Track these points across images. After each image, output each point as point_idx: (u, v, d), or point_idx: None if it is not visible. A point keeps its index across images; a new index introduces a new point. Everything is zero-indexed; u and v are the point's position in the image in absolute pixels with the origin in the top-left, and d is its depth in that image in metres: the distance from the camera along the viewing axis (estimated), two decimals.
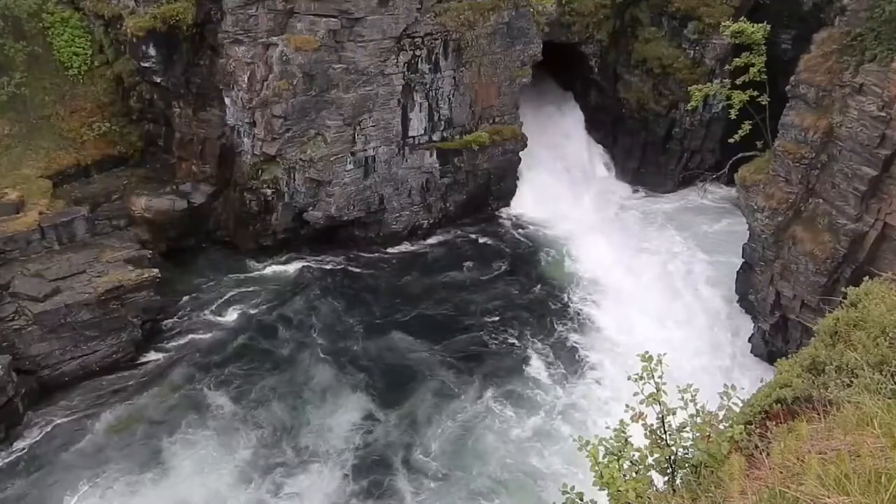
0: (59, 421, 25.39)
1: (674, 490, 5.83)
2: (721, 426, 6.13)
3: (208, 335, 29.56)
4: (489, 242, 36.72)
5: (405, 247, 36.24)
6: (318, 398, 26.75)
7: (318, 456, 24.38)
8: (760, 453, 5.42)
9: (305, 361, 28.55)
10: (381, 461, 24.21)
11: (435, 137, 35.39)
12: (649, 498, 5.57)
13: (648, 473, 6.07)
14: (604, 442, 6.10)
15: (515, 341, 29.95)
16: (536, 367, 28.62)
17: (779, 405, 6.75)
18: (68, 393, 26.52)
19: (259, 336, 29.73)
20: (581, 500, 6.08)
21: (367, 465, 24.05)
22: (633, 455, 6.08)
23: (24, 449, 24.29)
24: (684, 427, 6.22)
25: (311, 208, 33.87)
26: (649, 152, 40.82)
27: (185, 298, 31.39)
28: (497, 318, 31.24)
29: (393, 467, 23.97)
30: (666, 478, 6.06)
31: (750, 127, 29.33)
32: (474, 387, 27.48)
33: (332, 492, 23.19)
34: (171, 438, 24.86)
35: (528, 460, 24.35)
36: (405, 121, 34.02)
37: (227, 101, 32.25)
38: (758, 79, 28.92)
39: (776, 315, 27.27)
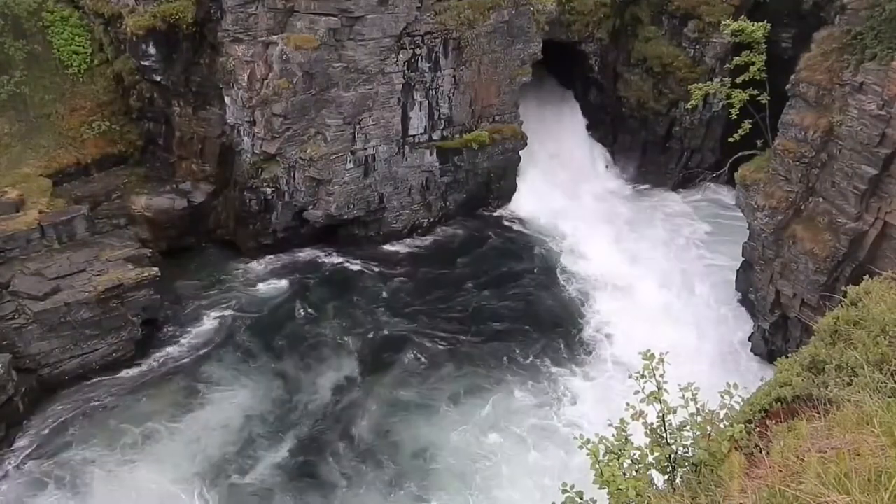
0: (58, 420, 25.49)
1: (674, 489, 5.84)
2: (721, 425, 6.14)
3: (208, 332, 29.62)
4: (489, 241, 36.70)
5: (405, 245, 36.25)
6: (318, 367, 28.30)
7: (290, 420, 25.81)
8: (760, 452, 5.42)
9: (308, 343, 29.27)
10: (323, 439, 25.18)
11: (435, 136, 35.39)
12: (649, 497, 5.58)
13: (649, 472, 6.08)
14: (604, 440, 6.11)
15: (508, 339, 29.87)
16: (523, 366, 28.48)
17: (779, 404, 6.76)
18: (68, 391, 26.54)
19: (259, 329, 29.91)
20: (581, 498, 6.08)
21: (310, 442, 25.08)
22: (634, 454, 6.08)
23: (26, 446, 24.41)
24: (685, 426, 6.23)
25: (311, 207, 33.87)
26: (649, 151, 40.82)
27: (186, 297, 31.40)
28: (491, 315, 31.26)
29: (327, 450, 24.73)
30: (666, 476, 6.07)
31: (750, 126, 29.32)
32: (443, 378, 27.86)
33: (273, 464, 24.13)
34: (169, 423, 25.49)
35: (454, 464, 24.28)
36: (405, 119, 34.01)
37: (227, 99, 32.24)
38: (758, 77, 28.91)
39: (776, 314, 27.27)
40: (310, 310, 31.27)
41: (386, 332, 30.19)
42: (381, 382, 27.53)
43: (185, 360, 28.20)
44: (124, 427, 24.99)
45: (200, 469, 23.71)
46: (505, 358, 28.81)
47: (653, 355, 6.46)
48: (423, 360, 28.72)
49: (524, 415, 26.08)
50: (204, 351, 28.54)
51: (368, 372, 28.05)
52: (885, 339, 6.67)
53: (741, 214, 29.21)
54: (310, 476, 23.75)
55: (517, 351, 29.18)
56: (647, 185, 41.00)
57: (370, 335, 29.95)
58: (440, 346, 29.49)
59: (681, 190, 40.68)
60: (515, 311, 31.63)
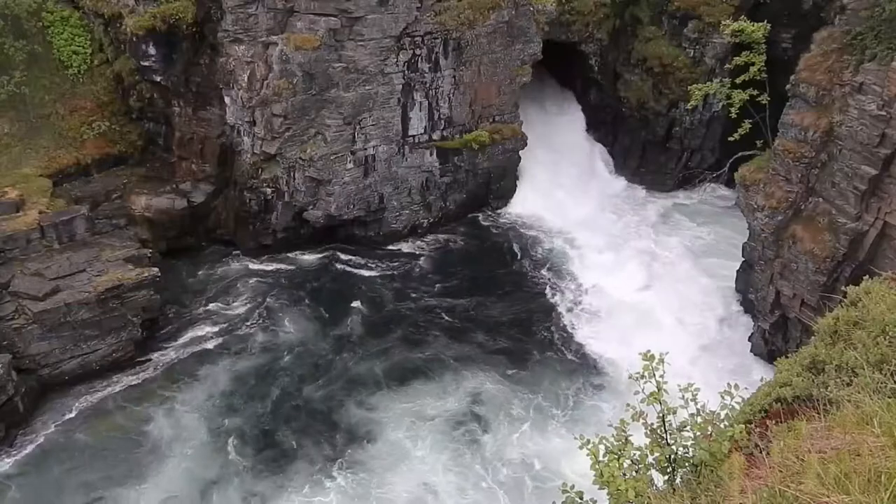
0: (59, 420, 25.58)
1: (674, 489, 5.83)
2: (722, 425, 6.14)
3: (209, 331, 29.78)
4: (488, 241, 36.73)
5: (405, 245, 36.28)
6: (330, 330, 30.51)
7: (292, 370, 28.25)
8: (760, 452, 5.42)
9: (308, 336, 30.11)
10: (297, 402, 27.10)
11: (435, 136, 35.39)
12: (649, 497, 5.57)
13: (648, 472, 6.07)
14: (604, 440, 6.11)
15: (502, 339, 29.93)
16: (513, 371, 28.48)
17: (779, 404, 6.77)
18: (68, 392, 26.60)
19: (261, 327, 30.21)
20: (581, 498, 6.08)
21: (288, 403, 27.03)
22: (634, 454, 6.08)
23: (28, 444, 24.58)
24: (685, 426, 6.22)
25: (310, 207, 33.88)
26: (649, 151, 40.81)
27: (186, 297, 31.45)
28: (483, 314, 31.41)
29: (295, 413, 26.64)
30: (666, 477, 6.06)
31: (750, 126, 29.31)
32: (415, 362, 28.72)
33: (257, 413, 26.38)
34: (171, 420, 25.96)
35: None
36: (405, 120, 34.01)
37: (226, 100, 32.26)
38: (758, 78, 28.89)
39: (776, 314, 27.27)
40: (312, 309, 31.65)
41: (382, 316, 31.25)
42: (369, 354, 29.16)
43: (181, 380, 28.12)
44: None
45: (212, 403, 26.39)
46: (480, 355, 29.06)
47: (653, 356, 6.45)
48: (407, 342, 29.78)
49: (474, 415, 26.30)
50: (197, 375, 28.46)
51: (366, 338, 29.92)
52: (885, 339, 6.66)
53: (741, 214, 29.20)
54: (272, 435, 25.46)
55: (503, 356, 29.22)
56: (646, 185, 40.97)
57: (372, 313, 31.30)
58: (428, 336, 30.05)
59: (681, 190, 40.67)
60: (508, 310, 31.75)
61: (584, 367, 28.65)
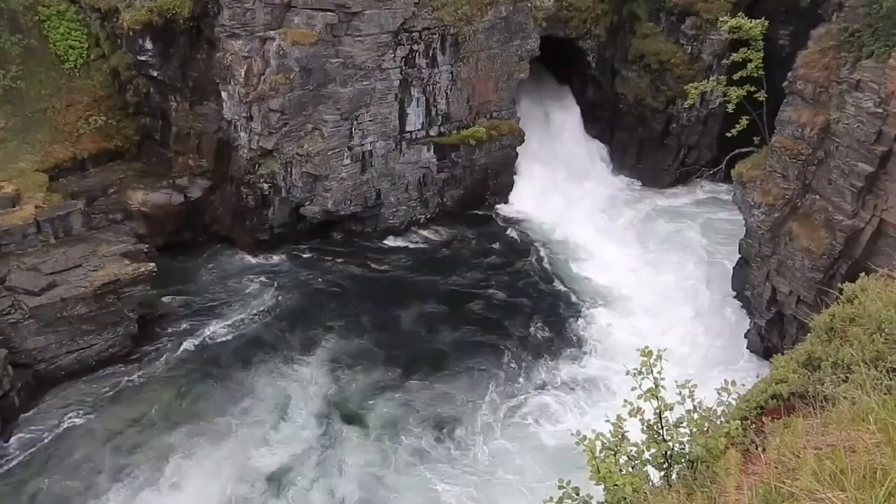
0: (55, 414, 25.59)
1: (670, 485, 5.85)
2: (718, 422, 6.16)
3: (205, 324, 29.81)
4: (485, 237, 36.71)
5: (401, 241, 36.26)
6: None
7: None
8: (756, 448, 5.44)
9: (303, 338, 30.04)
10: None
11: (432, 132, 35.36)
12: (645, 493, 5.60)
13: (645, 468, 6.09)
14: (601, 436, 6.13)
15: (497, 338, 29.90)
16: (513, 366, 28.57)
17: (775, 401, 6.79)
18: (64, 386, 26.59)
19: (258, 323, 30.26)
20: (577, 494, 6.10)
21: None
22: (630, 450, 6.10)
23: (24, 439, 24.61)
24: (681, 422, 6.24)
25: (307, 203, 33.84)
26: (646, 148, 40.79)
27: (182, 292, 31.42)
28: (485, 313, 31.38)
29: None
30: (662, 473, 6.08)
31: (747, 123, 29.32)
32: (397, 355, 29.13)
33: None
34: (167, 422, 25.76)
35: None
36: (402, 115, 33.97)
37: (223, 95, 32.17)
38: (755, 75, 28.87)
39: (772, 311, 27.33)
40: (309, 307, 31.72)
41: (378, 313, 31.45)
42: (361, 347, 29.58)
43: (179, 379, 28.09)
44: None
45: (212, 393, 27.04)
46: (467, 352, 29.20)
47: (650, 352, 6.47)
48: (398, 337, 30.09)
49: (440, 406, 26.60)
50: (195, 374, 28.49)
51: (362, 333, 30.22)
52: (880, 336, 6.68)
53: (738, 211, 29.24)
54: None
55: (515, 345, 29.39)
56: (643, 182, 40.98)
57: (367, 310, 31.64)
58: (420, 332, 30.28)
59: (678, 187, 40.69)
60: (501, 307, 31.73)
61: (577, 367, 28.67)
